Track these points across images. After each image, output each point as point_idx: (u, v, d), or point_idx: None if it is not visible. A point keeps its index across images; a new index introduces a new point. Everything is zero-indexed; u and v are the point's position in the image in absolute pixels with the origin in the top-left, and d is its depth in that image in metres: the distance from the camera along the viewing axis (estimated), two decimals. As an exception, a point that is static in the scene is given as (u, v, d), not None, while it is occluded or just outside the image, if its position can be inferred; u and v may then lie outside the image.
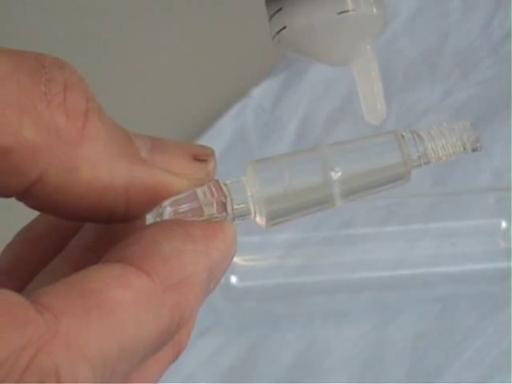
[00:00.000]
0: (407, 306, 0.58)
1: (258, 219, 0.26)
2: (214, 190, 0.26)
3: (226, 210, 0.26)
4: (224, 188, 0.26)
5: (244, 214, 0.26)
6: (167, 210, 0.25)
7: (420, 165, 0.27)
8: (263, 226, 0.26)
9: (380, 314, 0.58)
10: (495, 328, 0.57)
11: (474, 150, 0.27)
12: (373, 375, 0.57)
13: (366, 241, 0.59)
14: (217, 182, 0.26)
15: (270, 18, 0.28)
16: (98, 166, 0.24)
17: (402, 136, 0.27)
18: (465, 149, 0.27)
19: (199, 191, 0.26)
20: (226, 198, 0.26)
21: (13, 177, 0.23)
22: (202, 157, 0.26)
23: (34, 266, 0.27)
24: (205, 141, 0.65)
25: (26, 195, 0.24)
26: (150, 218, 0.26)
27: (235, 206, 0.26)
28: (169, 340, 0.24)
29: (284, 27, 0.27)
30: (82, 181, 0.24)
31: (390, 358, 0.57)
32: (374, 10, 0.27)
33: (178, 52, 0.69)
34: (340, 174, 0.26)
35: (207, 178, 0.26)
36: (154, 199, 0.25)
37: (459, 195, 0.60)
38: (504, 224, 0.59)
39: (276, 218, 0.26)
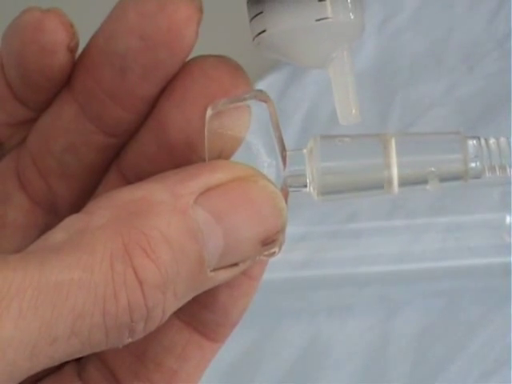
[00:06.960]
0: (412, 301, 0.58)
1: (311, 191, 0.27)
2: None
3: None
4: None
5: (300, 185, 0.27)
6: None
7: (481, 173, 0.27)
8: (315, 199, 0.27)
9: (384, 308, 0.58)
10: (500, 322, 0.57)
11: None
12: (377, 369, 0.57)
13: (370, 234, 0.59)
14: None
15: (251, 20, 0.28)
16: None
17: (467, 137, 0.27)
18: None
19: None
20: None
21: None
22: (271, 238, 0.25)
23: None
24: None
25: None
26: None
27: (291, 178, 0.26)
28: None
29: (264, 30, 0.28)
30: None
31: (394, 352, 0.57)
32: (352, 16, 0.28)
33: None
34: (401, 160, 0.26)
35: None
36: None
37: (464, 189, 0.60)
38: (508, 218, 0.58)
39: (330, 193, 0.27)
